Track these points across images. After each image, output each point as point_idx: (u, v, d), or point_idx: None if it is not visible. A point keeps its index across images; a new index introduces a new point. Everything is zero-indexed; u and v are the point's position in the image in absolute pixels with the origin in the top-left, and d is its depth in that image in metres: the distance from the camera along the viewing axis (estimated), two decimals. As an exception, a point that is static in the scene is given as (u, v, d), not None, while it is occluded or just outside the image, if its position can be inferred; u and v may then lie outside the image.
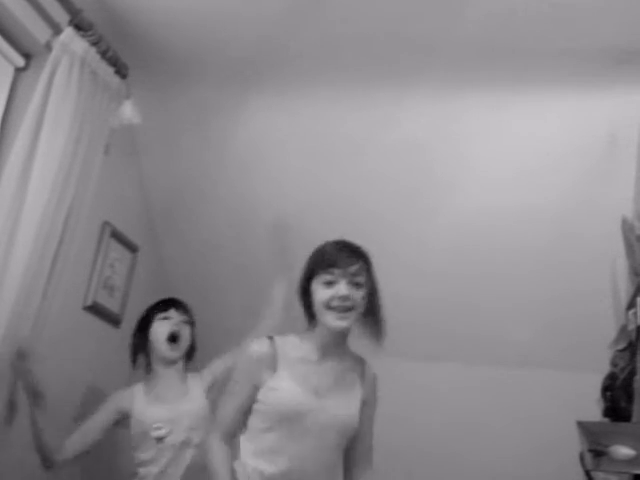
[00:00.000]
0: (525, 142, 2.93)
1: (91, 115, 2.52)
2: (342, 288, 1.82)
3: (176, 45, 2.86)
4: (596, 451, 1.89)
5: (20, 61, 2.55)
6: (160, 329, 2.64)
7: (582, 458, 2.07)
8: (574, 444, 2.07)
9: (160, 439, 2.49)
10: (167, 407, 2.56)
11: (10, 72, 2.55)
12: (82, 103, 2.47)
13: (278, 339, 1.93)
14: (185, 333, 2.67)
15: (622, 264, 2.71)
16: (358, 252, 1.92)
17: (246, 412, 1.91)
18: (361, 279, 1.87)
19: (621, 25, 2.45)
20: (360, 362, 2.01)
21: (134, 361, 2.71)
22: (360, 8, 2.56)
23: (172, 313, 2.68)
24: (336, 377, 1.91)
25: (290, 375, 1.86)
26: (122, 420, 2.57)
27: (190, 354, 2.73)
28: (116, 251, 3.13)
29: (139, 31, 2.80)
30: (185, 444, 2.52)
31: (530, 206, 3.01)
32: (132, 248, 3.28)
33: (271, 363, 1.87)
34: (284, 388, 1.84)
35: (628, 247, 2.56)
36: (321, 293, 1.85)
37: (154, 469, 2.49)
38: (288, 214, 3.02)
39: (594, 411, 2.44)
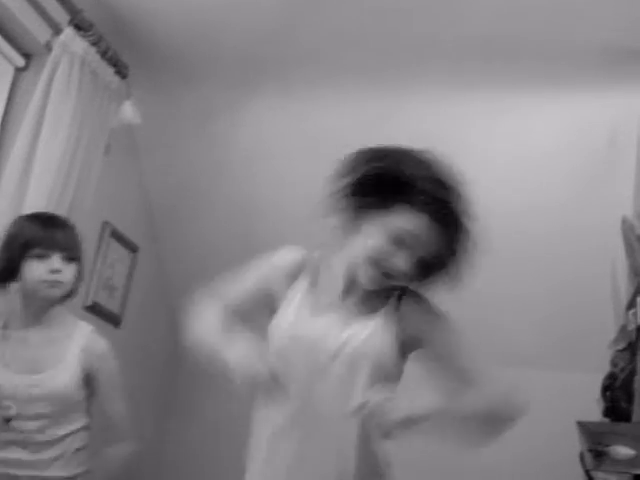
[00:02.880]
0: (525, 142, 2.93)
1: (91, 115, 2.53)
2: None
3: (176, 45, 2.86)
4: (596, 451, 1.89)
5: (20, 61, 2.55)
6: None
7: (582, 458, 2.07)
8: (574, 444, 2.07)
9: None
10: None
11: (10, 72, 2.55)
12: (82, 103, 2.47)
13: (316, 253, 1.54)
14: None
15: (622, 264, 2.70)
16: None
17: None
18: None
19: (621, 25, 2.45)
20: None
21: None
22: (361, 8, 2.57)
23: None
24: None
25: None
26: None
27: None
28: (116, 251, 3.13)
29: (139, 31, 2.79)
30: None
31: (530, 206, 3.00)
32: (132, 248, 3.28)
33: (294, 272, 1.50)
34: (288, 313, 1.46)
35: (628, 247, 2.56)
36: None
37: None
38: (288, 215, 3.03)
39: (594, 411, 2.43)
